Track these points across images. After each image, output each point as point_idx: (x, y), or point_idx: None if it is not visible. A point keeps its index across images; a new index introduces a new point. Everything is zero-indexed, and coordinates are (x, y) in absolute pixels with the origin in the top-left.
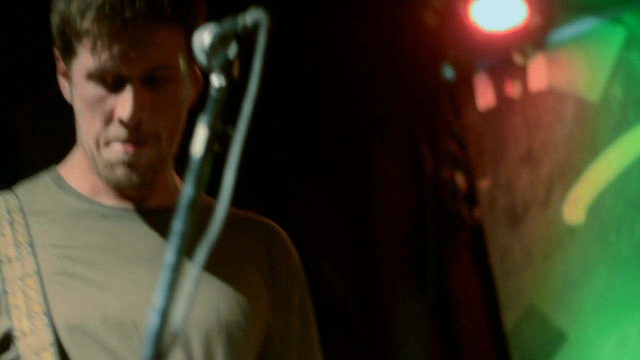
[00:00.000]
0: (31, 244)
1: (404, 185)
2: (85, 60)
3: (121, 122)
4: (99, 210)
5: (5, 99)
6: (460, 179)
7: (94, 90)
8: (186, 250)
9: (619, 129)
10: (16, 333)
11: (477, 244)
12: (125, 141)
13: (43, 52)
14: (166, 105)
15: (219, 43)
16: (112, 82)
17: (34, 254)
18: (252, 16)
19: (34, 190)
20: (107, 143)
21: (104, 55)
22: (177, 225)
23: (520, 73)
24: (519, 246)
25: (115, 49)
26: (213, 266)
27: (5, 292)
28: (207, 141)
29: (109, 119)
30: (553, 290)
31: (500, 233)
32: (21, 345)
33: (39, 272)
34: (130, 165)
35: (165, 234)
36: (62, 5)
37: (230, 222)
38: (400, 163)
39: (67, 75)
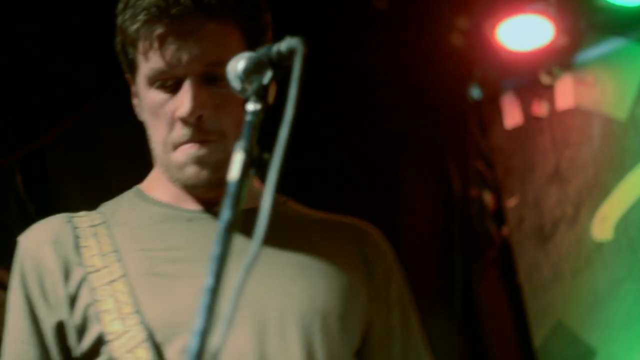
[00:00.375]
0: (117, 251)
1: (432, 204)
2: (143, 67)
3: (182, 121)
4: (183, 214)
5: (35, 122)
6: (488, 198)
7: (155, 96)
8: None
9: None
10: (108, 337)
11: (505, 262)
12: (189, 141)
13: (71, 77)
14: (229, 103)
15: (254, 69)
16: (172, 84)
17: (121, 260)
18: (288, 44)
19: (117, 206)
20: (175, 147)
21: (158, 57)
22: (216, 248)
23: (548, 92)
24: (547, 263)
25: (167, 48)
26: (309, 262)
27: (95, 301)
28: (243, 166)
29: (172, 122)
30: (582, 306)
31: (529, 251)
32: (114, 346)
33: (126, 275)
34: (199, 162)
35: (246, 233)
36: (119, 20)
37: (322, 225)
38: (428, 183)
39: (137, 95)
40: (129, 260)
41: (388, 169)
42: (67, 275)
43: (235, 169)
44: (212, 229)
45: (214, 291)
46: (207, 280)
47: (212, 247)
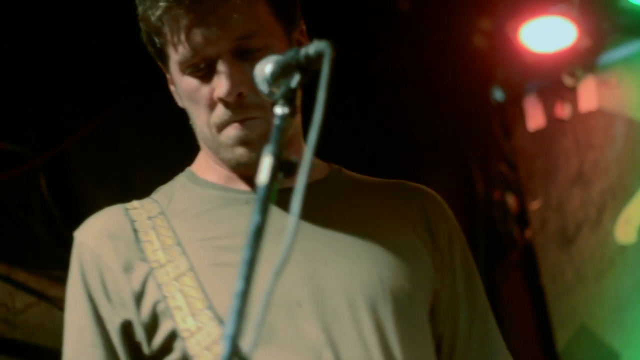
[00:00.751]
0: (179, 244)
1: (454, 206)
2: (173, 54)
3: (222, 101)
4: (239, 197)
5: (59, 126)
6: (511, 200)
7: (189, 81)
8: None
9: None
10: (183, 334)
11: (528, 265)
12: (230, 121)
13: (94, 83)
14: None
15: (281, 73)
16: (204, 67)
17: (185, 252)
18: (316, 47)
19: (171, 192)
20: (219, 129)
21: (186, 41)
22: (246, 253)
23: (570, 94)
24: (570, 266)
25: (194, 31)
26: (372, 234)
27: (165, 297)
28: (271, 170)
29: (211, 105)
30: (605, 309)
31: (552, 253)
32: (190, 344)
33: (193, 269)
34: (244, 142)
35: (307, 209)
36: (140, 10)
37: (383, 190)
38: (451, 184)
39: (173, 82)
40: (193, 252)
41: (411, 170)
42: (129, 271)
43: (263, 173)
44: (271, 209)
45: (245, 295)
46: (238, 284)
47: (272, 229)
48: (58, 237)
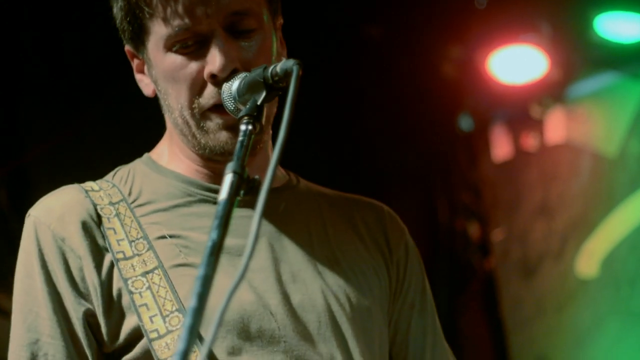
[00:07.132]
0: (145, 237)
1: (417, 233)
2: (159, 30)
3: (213, 78)
4: (208, 195)
5: (20, 140)
6: (474, 230)
7: (174, 59)
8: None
9: (635, 184)
10: (150, 334)
11: (488, 295)
12: (218, 104)
13: (57, 97)
14: (258, 55)
15: (248, 89)
16: (193, 44)
17: (152, 248)
18: (283, 65)
19: (131, 178)
20: (203, 112)
21: (178, 14)
22: (202, 269)
23: (538, 125)
24: (531, 298)
25: (188, 3)
26: (335, 249)
27: (131, 292)
28: (233, 187)
29: (198, 84)
30: (564, 342)
31: (513, 284)
32: (157, 346)
33: (161, 267)
34: (231, 128)
35: (273, 212)
36: None
37: (341, 202)
38: (414, 212)
39: (143, 70)
40: (160, 250)
41: (375, 197)
42: (94, 259)
43: (224, 190)
44: (238, 211)
45: (199, 312)
46: (192, 301)
47: (241, 230)
48: (16, 250)
